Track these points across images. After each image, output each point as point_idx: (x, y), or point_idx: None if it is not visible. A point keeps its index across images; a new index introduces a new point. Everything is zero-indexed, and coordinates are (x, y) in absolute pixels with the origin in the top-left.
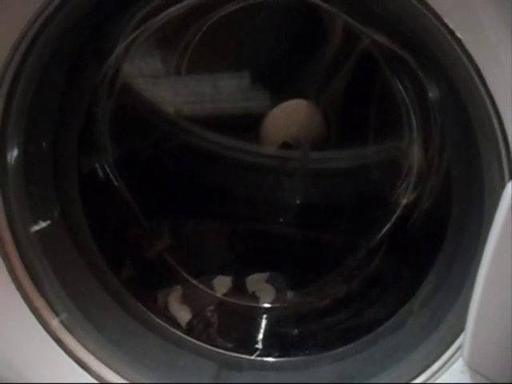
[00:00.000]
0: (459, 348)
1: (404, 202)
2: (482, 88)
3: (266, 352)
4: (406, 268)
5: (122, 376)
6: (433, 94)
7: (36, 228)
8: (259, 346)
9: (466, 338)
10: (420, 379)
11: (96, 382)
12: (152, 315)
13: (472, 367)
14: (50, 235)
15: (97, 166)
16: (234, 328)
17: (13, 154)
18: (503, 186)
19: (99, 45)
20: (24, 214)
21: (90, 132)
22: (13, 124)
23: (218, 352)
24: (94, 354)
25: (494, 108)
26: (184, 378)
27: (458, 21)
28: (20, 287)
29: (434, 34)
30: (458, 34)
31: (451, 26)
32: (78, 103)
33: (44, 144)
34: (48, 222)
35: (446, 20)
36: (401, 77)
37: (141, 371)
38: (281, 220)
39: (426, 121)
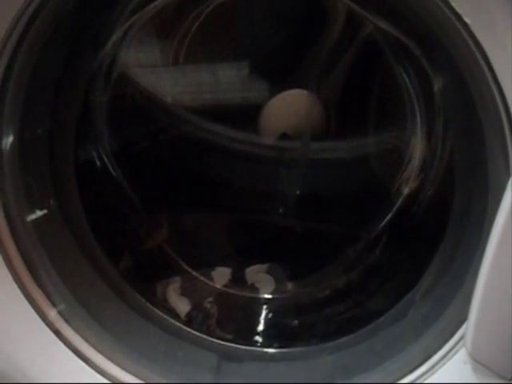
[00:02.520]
0: (461, 338)
1: (406, 191)
2: (488, 75)
3: (265, 343)
4: (407, 258)
5: (122, 367)
6: (437, 81)
7: (32, 217)
8: (259, 337)
9: (468, 328)
10: (421, 369)
11: (95, 373)
12: (151, 306)
13: (474, 358)
14: (47, 224)
15: (94, 155)
16: (233, 319)
17: (8, 140)
18: (508, 176)
19: (95, 31)
20: (20, 203)
21: (87, 121)
22: (8, 110)
23: (218, 343)
24: (93, 345)
25: (500, 96)
26: (184, 369)
27: (466, 5)
28: (17, 278)
29: (440, 19)
30: (466, 19)
31: (458, 10)
32: (75, 91)
33: (39, 131)
34: (44, 211)
35: (453, 4)
36: (405, 65)
37: (140, 362)
38: (280, 211)
39: (430, 110)
